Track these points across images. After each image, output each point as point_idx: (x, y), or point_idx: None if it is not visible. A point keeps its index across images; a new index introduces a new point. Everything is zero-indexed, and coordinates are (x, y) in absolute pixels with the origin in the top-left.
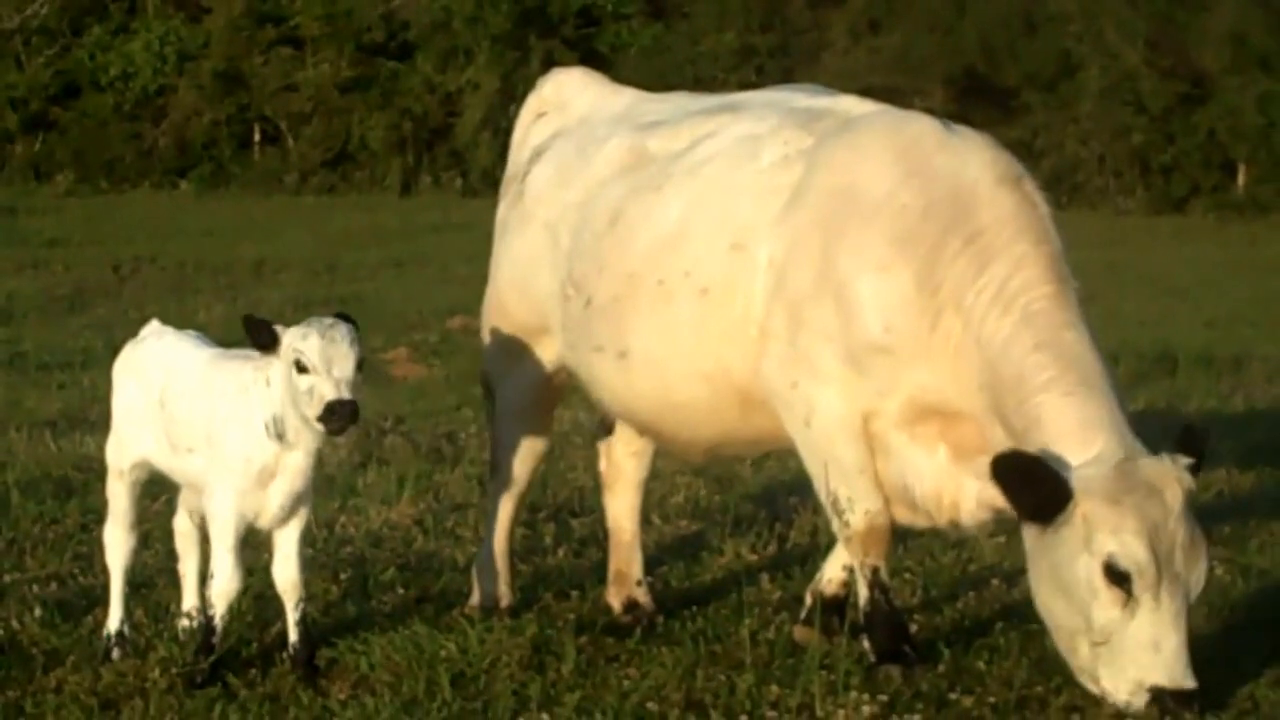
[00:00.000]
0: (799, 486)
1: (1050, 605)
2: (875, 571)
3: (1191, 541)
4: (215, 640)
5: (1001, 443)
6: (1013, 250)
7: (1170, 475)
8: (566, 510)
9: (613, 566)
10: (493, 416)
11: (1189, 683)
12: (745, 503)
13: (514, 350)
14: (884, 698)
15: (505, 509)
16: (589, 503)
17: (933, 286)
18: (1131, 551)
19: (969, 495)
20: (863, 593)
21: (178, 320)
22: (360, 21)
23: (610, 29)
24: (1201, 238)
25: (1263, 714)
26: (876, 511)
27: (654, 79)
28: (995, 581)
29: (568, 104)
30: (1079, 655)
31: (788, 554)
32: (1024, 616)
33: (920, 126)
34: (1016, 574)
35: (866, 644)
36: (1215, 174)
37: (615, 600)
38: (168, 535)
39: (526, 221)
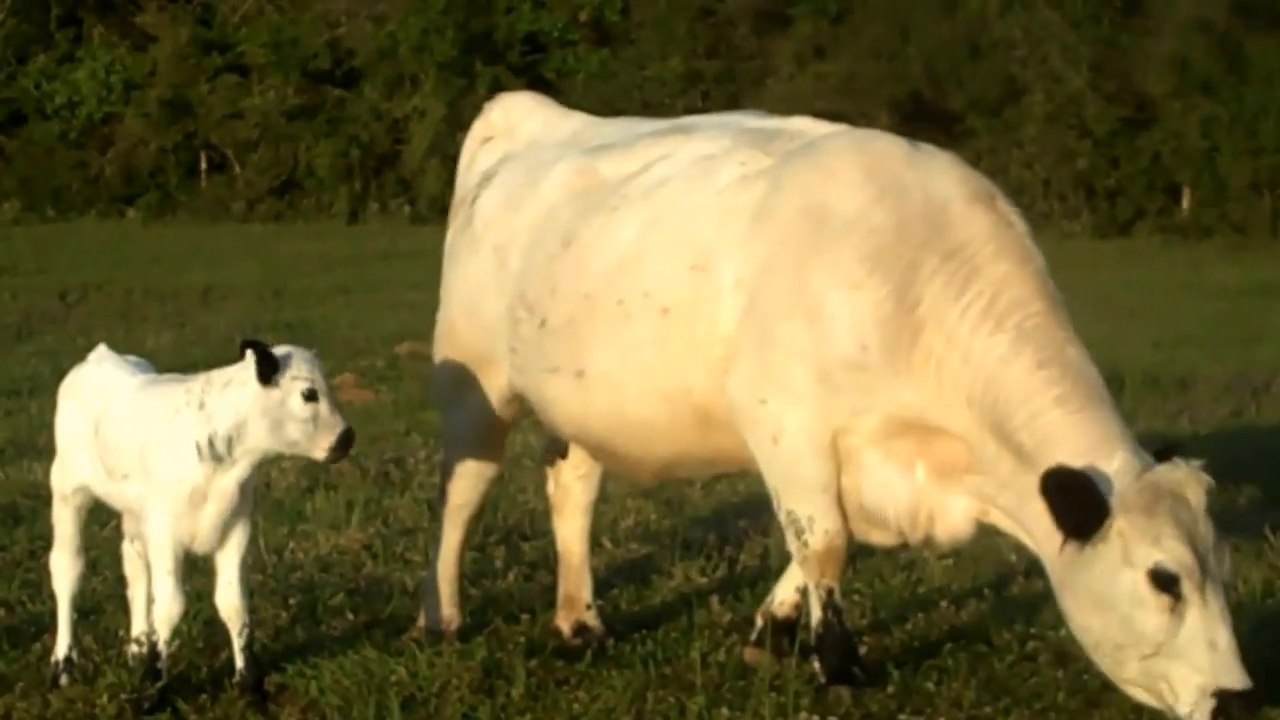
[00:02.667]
0: (749, 510)
1: (1089, 624)
2: (830, 593)
3: (1218, 539)
4: (161, 665)
5: (994, 458)
6: (996, 268)
7: (1190, 479)
8: (517, 533)
9: (562, 590)
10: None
11: (1248, 682)
12: (695, 526)
13: (463, 376)
14: (834, 719)
15: (453, 535)
16: (540, 526)
17: (910, 303)
18: (1177, 554)
19: (954, 510)
20: (816, 613)
21: (125, 348)
22: (306, 49)
23: (557, 55)
24: (1147, 261)
25: None
26: (835, 532)
27: (601, 105)
28: (944, 603)
29: (515, 128)
30: (1127, 670)
31: (738, 577)
32: (972, 638)
33: (885, 144)
34: (965, 596)
35: (817, 665)
36: (1160, 198)
37: (565, 623)
38: (116, 561)
39: (475, 246)
